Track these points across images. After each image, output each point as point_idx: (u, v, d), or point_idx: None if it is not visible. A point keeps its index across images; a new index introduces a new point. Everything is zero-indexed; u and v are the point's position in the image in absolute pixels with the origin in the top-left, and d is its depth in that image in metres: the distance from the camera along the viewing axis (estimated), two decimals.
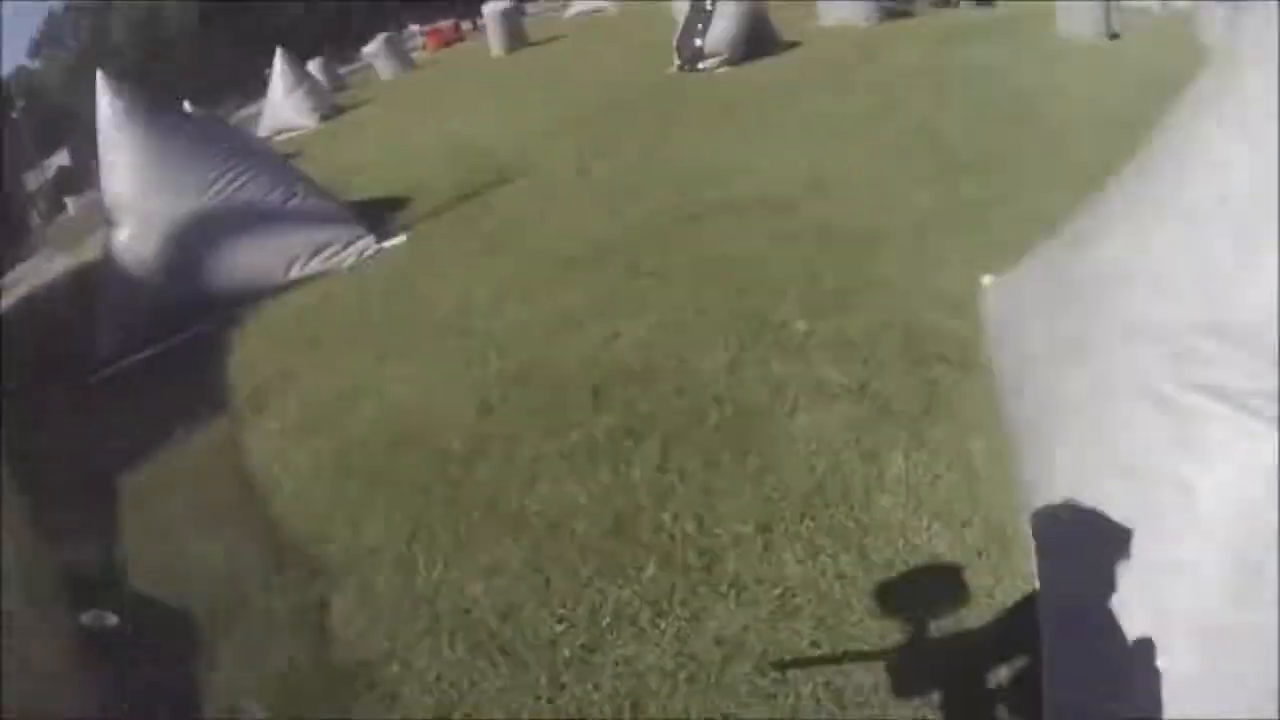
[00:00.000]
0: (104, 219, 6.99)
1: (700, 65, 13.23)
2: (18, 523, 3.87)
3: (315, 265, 6.83)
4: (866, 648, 2.56)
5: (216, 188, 6.68)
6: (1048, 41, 13.89)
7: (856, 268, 5.15)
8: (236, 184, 6.74)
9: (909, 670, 2.48)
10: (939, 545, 2.86)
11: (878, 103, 9.47)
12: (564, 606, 2.95)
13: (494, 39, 22.53)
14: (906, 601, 2.69)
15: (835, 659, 2.55)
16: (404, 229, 7.52)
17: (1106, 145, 6.22)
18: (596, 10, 30.32)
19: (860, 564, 2.85)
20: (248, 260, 6.64)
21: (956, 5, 19.03)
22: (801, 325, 4.55)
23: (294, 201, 6.91)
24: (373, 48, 24.79)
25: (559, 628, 2.88)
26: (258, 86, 22.58)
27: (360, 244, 7.05)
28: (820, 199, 6.46)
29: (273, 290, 6.63)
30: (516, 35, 22.52)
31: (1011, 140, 7.17)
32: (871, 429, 3.55)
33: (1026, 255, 3.88)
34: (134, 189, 6.60)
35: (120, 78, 6.84)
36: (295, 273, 6.75)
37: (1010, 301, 3.76)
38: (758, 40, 13.71)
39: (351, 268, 6.90)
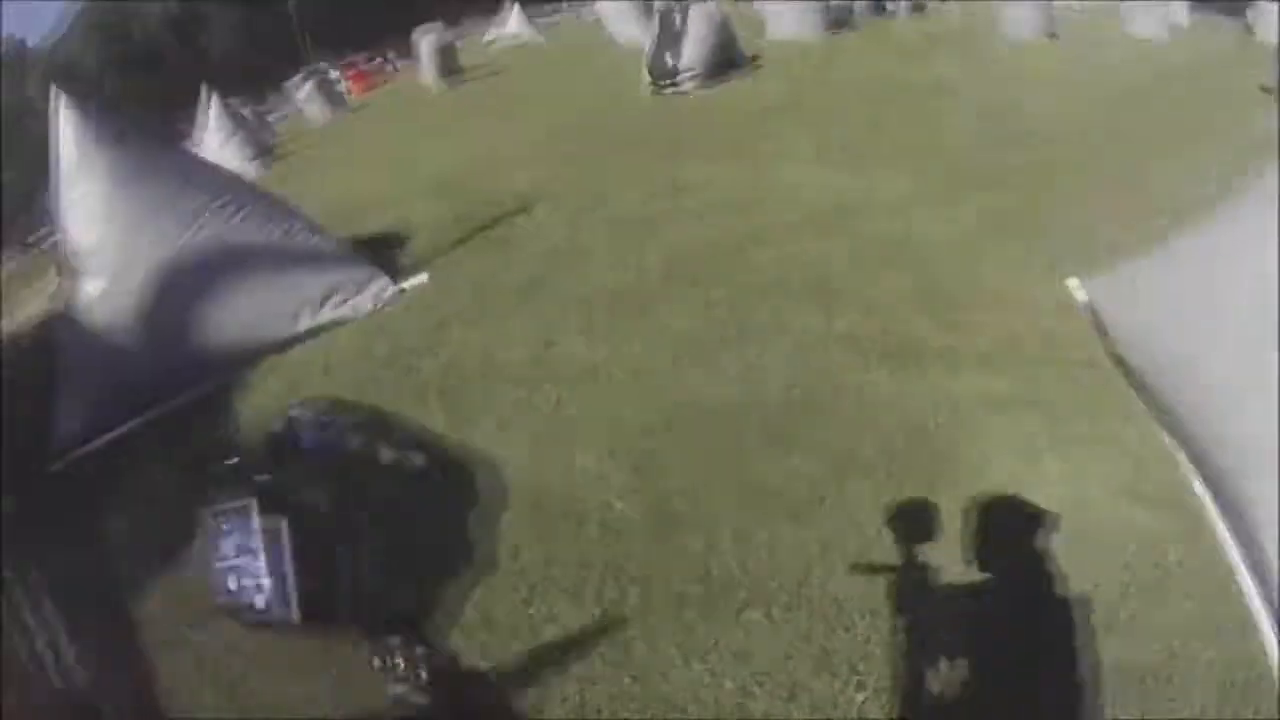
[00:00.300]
0: (63, 269, 5.76)
1: (675, 84, 12.75)
2: None
3: (328, 313, 5.86)
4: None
5: (202, 223, 5.60)
6: (999, 44, 14.38)
7: (940, 279, 5.16)
8: (227, 220, 5.68)
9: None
10: (1149, 524, 2.98)
11: (864, 117, 9.74)
12: (856, 671, 2.55)
13: (428, 73, 21.51)
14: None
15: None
16: (418, 268, 6.64)
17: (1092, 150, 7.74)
18: (517, 39, 29.69)
19: None
20: (248, 309, 5.61)
21: (893, 15, 19.54)
22: (938, 340, 4.44)
23: (293, 239, 5.95)
24: (303, 91, 23.20)
25: (860, 695, 2.48)
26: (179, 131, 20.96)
27: (375, 286, 6.09)
28: (860, 217, 6.45)
29: (280, 345, 5.63)
30: (452, 68, 21.59)
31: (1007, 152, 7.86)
32: (1054, 432, 3.56)
33: (1112, 266, 4.32)
34: (105, 229, 5.47)
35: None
36: (306, 322, 5.76)
37: (1120, 304, 4.04)
38: (727, 57, 13.47)
39: (369, 314, 5.96)
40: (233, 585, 1.29)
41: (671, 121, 11.03)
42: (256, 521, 1.67)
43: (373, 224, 8.13)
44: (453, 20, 31.73)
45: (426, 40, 21.56)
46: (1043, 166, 7.40)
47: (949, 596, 2.70)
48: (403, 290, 6.18)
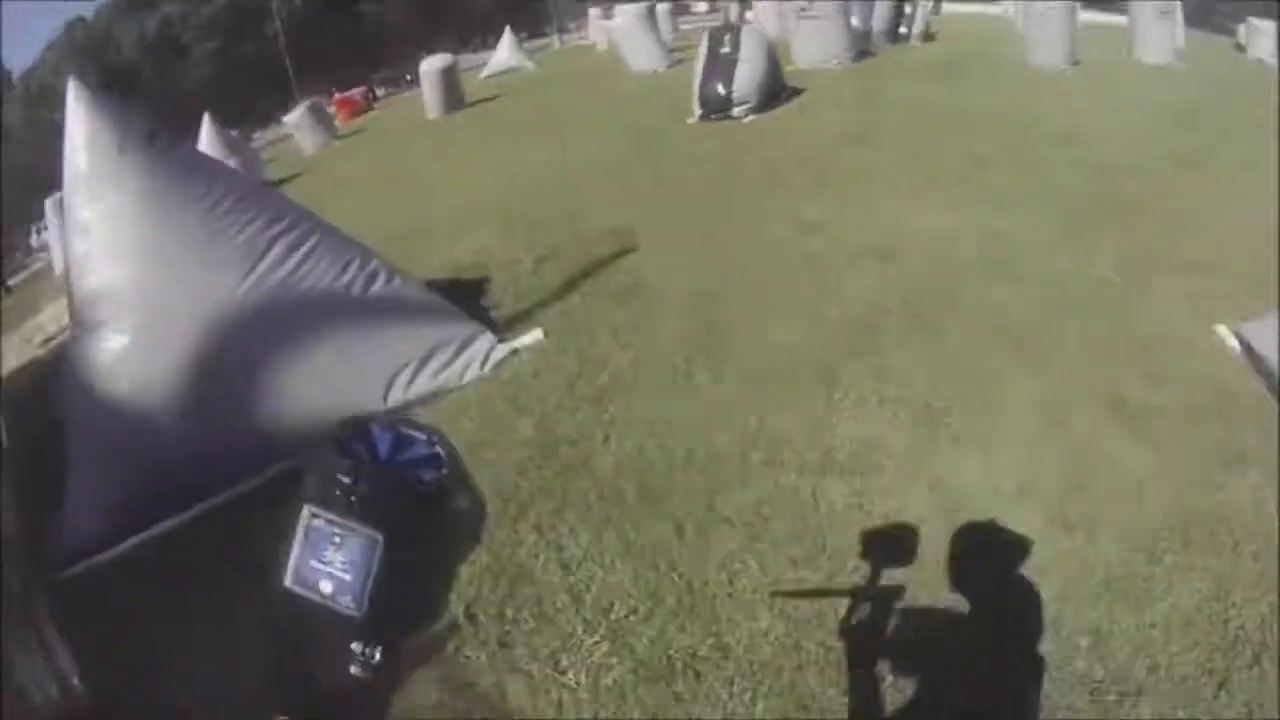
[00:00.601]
0: (73, 316, 4.41)
1: (730, 113, 11.79)
2: None
3: (425, 382, 4.61)
4: None
5: (262, 259, 4.30)
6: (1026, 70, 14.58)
7: (1124, 325, 4.71)
8: (292, 255, 4.39)
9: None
10: None
11: (942, 148, 9.07)
12: None
13: (430, 100, 20.27)
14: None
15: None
16: (516, 318, 5.43)
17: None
18: (512, 68, 28.63)
19: None
20: (327, 376, 4.33)
21: (909, 40, 19.40)
22: (1156, 397, 3.95)
23: (377, 287, 4.69)
24: (294, 116, 21.76)
25: None
26: None
27: (480, 345, 4.86)
28: (1006, 261, 5.72)
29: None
30: (454, 96, 20.40)
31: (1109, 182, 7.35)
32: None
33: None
34: (131, 264, 4.14)
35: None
36: (400, 396, 4.51)
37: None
38: (775, 86, 12.58)
39: (476, 380, 4.72)
40: (306, 572, 1.17)
41: (737, 153, 9.98)
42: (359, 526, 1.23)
43: (431, 260, 6.87)
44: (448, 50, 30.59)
45: (428, 65, 20.34)
46: (1151, 197, 6.92)
47: None
48: (515, 351, 4.95)
